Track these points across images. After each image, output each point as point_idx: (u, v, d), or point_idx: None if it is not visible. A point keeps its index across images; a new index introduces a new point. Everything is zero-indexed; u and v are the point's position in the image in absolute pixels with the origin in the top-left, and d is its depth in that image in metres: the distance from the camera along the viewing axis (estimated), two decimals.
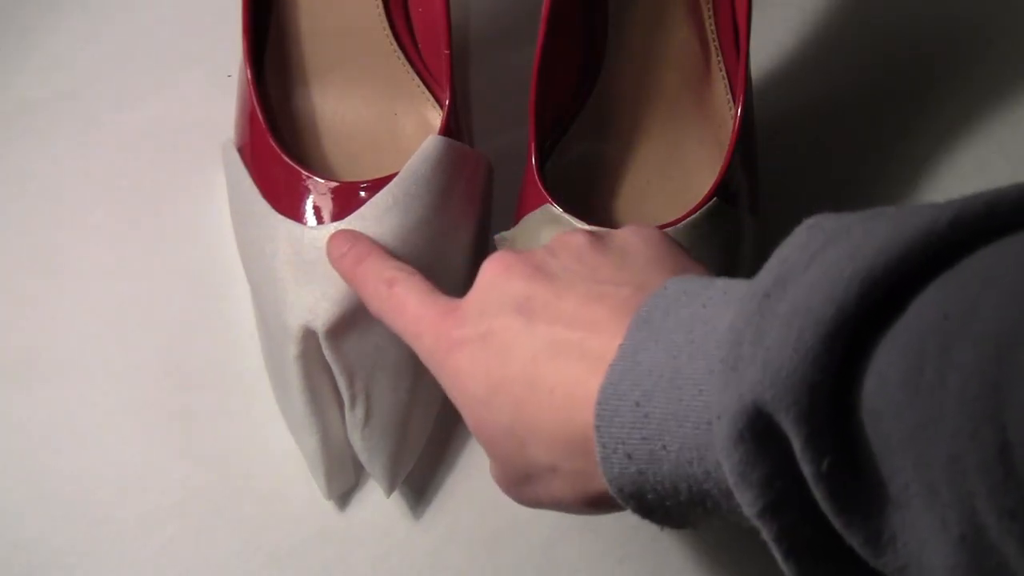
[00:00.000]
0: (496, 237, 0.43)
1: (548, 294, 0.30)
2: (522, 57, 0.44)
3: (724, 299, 0.26)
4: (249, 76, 0.44)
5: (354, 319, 0.39)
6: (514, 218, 0.43)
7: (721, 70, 0.45)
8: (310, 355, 0.40)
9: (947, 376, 0.20)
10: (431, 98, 0.47)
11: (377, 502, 0.42)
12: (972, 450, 0.20)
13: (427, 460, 0.43)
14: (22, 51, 0.54)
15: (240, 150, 0.44)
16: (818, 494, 0.22)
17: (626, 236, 0.33)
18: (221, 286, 0.47)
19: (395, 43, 0.47)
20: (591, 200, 0.45)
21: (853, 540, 0.23)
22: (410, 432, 0.41)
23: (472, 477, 0.42)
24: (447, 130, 0.42)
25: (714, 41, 0.46)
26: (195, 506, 0.42)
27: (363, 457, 0.40)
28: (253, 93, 0.44)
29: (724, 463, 0.24)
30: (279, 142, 0.42)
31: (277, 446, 0.43)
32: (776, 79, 0.53)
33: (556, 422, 0.29)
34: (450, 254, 0.42)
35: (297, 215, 0.41)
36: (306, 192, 0.41)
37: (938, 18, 0.54)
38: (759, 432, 0.23)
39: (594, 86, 0.47)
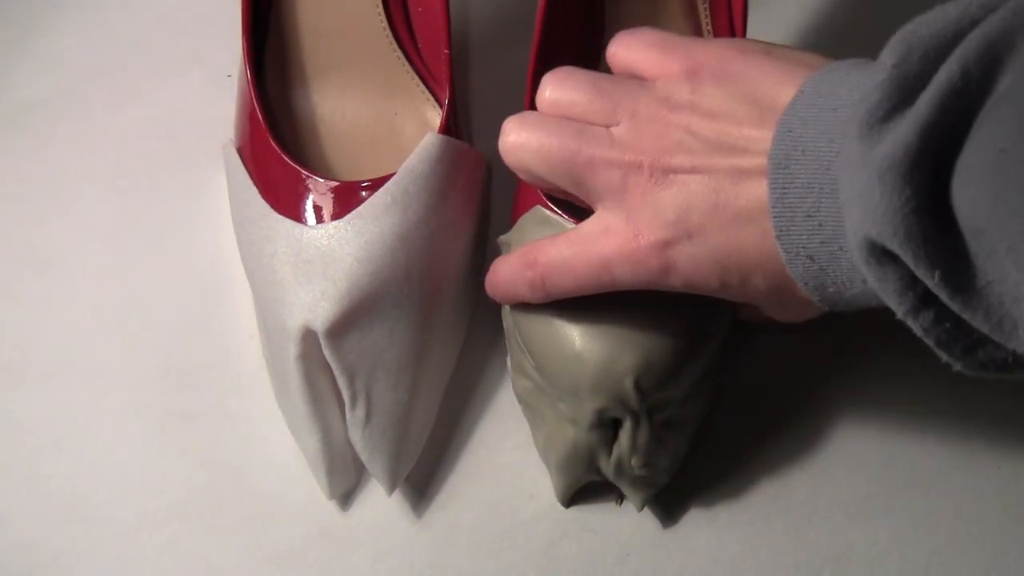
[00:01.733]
0: (497, 241, 0.43)
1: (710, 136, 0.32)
2: (522, 57, 0.44)
3: (852, 102, 0.28)
4: (249, 76, 0.44)
5: (354, 319, 0.39)
6: (511, 217, 0.43)
7: None
8: (310, 355, 0.40)
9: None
10: (431, 97, 0.47)
11: (377, 502, 0.42)
12: None
13: (427, 460, 0.43)
14: (22, 51, 0.54)
15: (240, 150, 0.44)
16: (942, 298, 0.25)
17: (720, 61, 0.34)
18: (221, 286, 0.47)
19: (395, 43, 0.47)
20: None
21: (983, 328, 0.25)
22: (410, 431, 0.41)
23: (472, 477, 0.43)
24: (446, 129, 0.42)
25: (709, 32, 0.46)
26: (195, 506, 0.42)
27: (364, 456, 0.40)
28: (253, 93, 0.44)
29: (867, 274, 0.27)
30: (279, 142, 0.42)
31: (277, 446, 0.43)
32: None
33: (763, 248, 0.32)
34: (449, 253, 0.42)
35: (297, 215, 0.41)
36: (306, 192, 0.41)
37: None
38: (880, 256, 0.26)
39: None
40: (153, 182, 0.50)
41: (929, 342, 0.27)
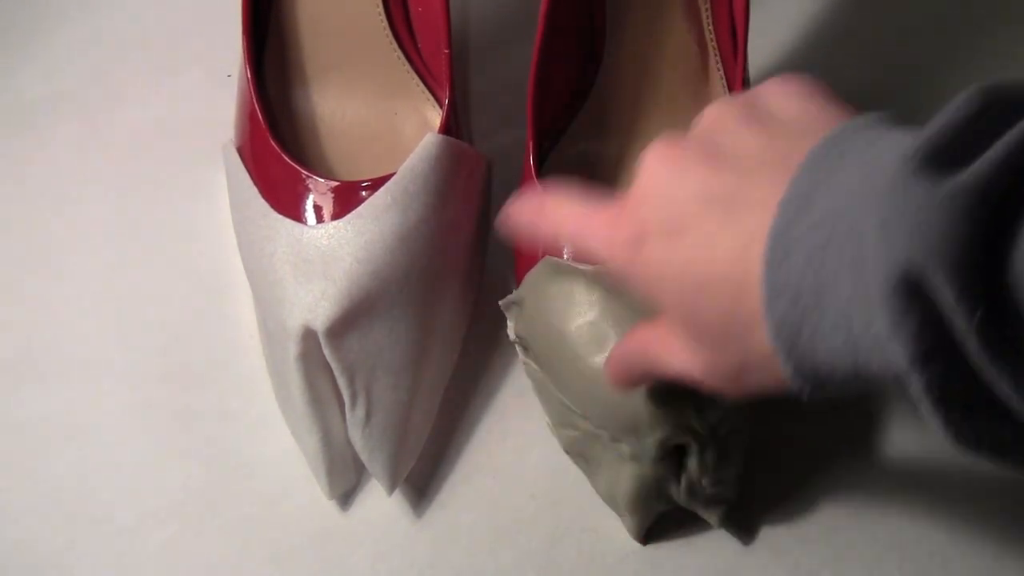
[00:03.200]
0: (502, 304, 0.43)
1: (734, 183, 0.30)
2: (522, 56, 0.44)
3: (897, 146, 0.26)
4: (249, 76, 0.44)
5: (354, 318, 0.39)
6: (515, 277, 0.42)
7: (719, 69, 0.45)
8: (310, 355, 0.40)
9: None
10: (431, 97, 0.47)
11: (377, 502, 0.42)
12: None
13: (427, 459, 0.43)
14: (22, 51, 0.54)
15: (240, 150, 0.44)
16: (971, 345, 0.23)
17: (777, 99, 0.32)
18: (221, 286, 0.47)
19: (395, 42, 0.47)
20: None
21: (1004, 389, 0.23)
22: (410, 431, 0.41)
23: (472, 477, 0.42)
24: (447, 129, 0.42)
25: (711, 40, 0.46)
26: (195, 506, 0.42)
27: (364, 456, 0.40)
28: (253, 93, 0.44)
29: (880, 313, 0.25)
30: (279, 142, 0.42)
31: (277, 446, 0.43)
32: (773, 75, 0.53)
33: None
34: (449, 253, 0.42)
35: (297, 214, 0.41)
36: (306, 191, 0.41)
37: (936, 17, 0.54)
38: (910, 290, 0.24)
39: (592, 85, 0.47)
40: (153, 182, 0.50)
41: (926, 399, 0.25)
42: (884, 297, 0.24)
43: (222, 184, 0.46)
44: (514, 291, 0.42)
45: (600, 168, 0.46)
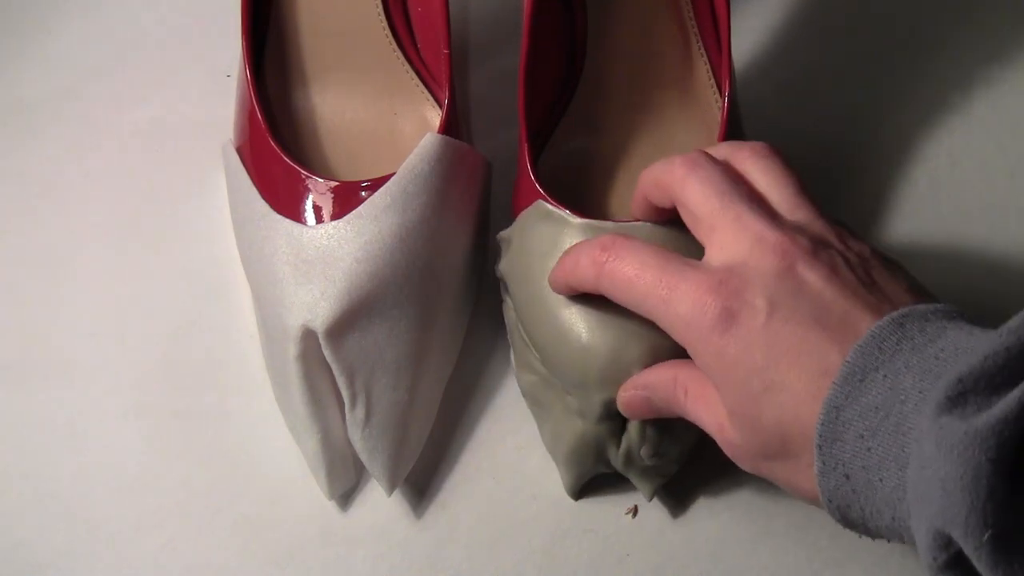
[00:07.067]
0: (497, 237, 0.43)
1: (844, 304, 0.30)
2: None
3: (954, 358, 0.27)
4: (248, 76, 0.44)
5: (354, 319, 0.39)
6: (511, 216, 0.43)
7: (702, 56, 0.46)
8: (310, 355, 0.40)
9: None
10: (430, 97, 0.47)
11: (377, 502, 0.42)
12: None
13: (427, 460, 0.43)
14: (22, 51, 0.54)
15: (239, 150, 0.44)
16: (978, 566, 0.25)
17: (871, 258, 0.33)
18: (221, 286, 0.47)
19: (394, 43, 0.47)
20: (585, 194, 0.45)
21: None
22: (410, 431, 0.41)
23: (472, 477, 0.42)
24: (446, 129, 0.42)
25: (693, 29, 0.46)
26: (195, 506, 0.42)
27: (363, 457, 0.40)
28: (252, 93, 0.44)
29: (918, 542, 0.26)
30: (278, 142, 0.42)
31: (277, 446, 0.43)
32: (757, 63, 0.53)
33: None
34: (449, 253, 0.42)
35: (296, 215, 0.41)
36: (305, 192, 0.41)
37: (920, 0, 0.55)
38: (943, 538, 0.25)
39: (578, 81, 0.47)
40: (153, 182, 0.50)
41: None
42: (920, 541, 0.26)
43: (222, 184, 0.46)
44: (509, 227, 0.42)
45: (593, 163, 0.46)
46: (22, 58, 0.54)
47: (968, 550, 0.24)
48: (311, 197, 0.41)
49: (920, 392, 0.27)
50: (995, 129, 0.51)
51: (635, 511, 0.41)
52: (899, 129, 0.51)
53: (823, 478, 0.29)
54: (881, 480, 0.28)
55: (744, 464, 0.33)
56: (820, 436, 0.29)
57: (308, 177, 0.41)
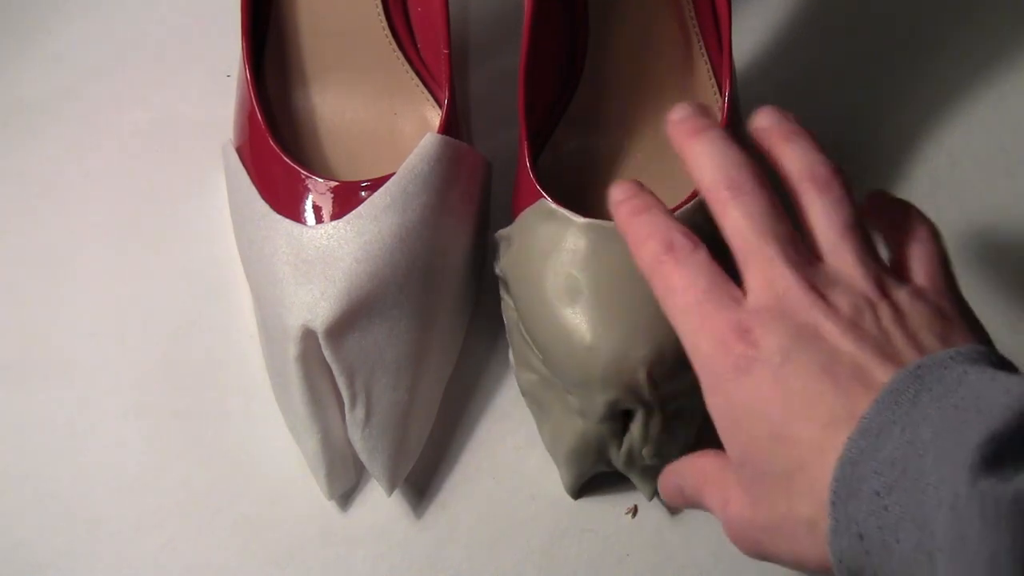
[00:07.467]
0: (496, 235, 0.43)
1: (863, 358, 0.29)
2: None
3: (976, 408, 0.26)
4: (248, 76, 0.44)
5: (354, 318, 0.39)
6: (511, 216, 0.43)
7: (703, 55, 0.46)
8: (310, 355, 0.40)
9: None
10: (430, 97, 0.47)
11: (377, 502, 0.42)
12: None
13: (427, 460, 0.43)
14: (22, 51, 0.54)
15: (239, 150, 0.44)
16: None
17: (912, 300, 0.31)
18: (221, 286, 0.47)
19: (394, 43, 0.47)
20: (586, 193, 0.45)
21: None
22: (410, 431, 0.41)
23: (472, 477, 0.43)
24: (446, 129, 0.42)
25: (694, 28, 0.46)
26: (195, 506, 0.42)
27: (363, 457, 0.40)
28: (252, 93, 0.44)
29: None
30: (278, 142, 0.42)
31: (277, 446, 0.43)
32: (757, 63, 0.53)
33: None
34: (449, 253, 0.42)
35: (296, 215, 0.41)
36: (305, 192, 0.41)
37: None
38: None
39: (579, 80, 0.47)
40: (153, 182, 0.50)
41: None
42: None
43: (222, 184, 0.46)
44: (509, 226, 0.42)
45: (593, 162, 0.46)
46: (22, 58, 0.54)
47: None
48: (311, 197, 0.41)
49: (939, 446, 0.26)
50: (995, 129, 0.51)
51: (635, 511, 0.41)
52: (899, 129, 0.51)
53: (835, 537, 0.27)
54: (898, 541, 0.26)
55: (747, 541, 0.32)
56: (834, 492, 0.27)
57: (308, 177, 0.41)
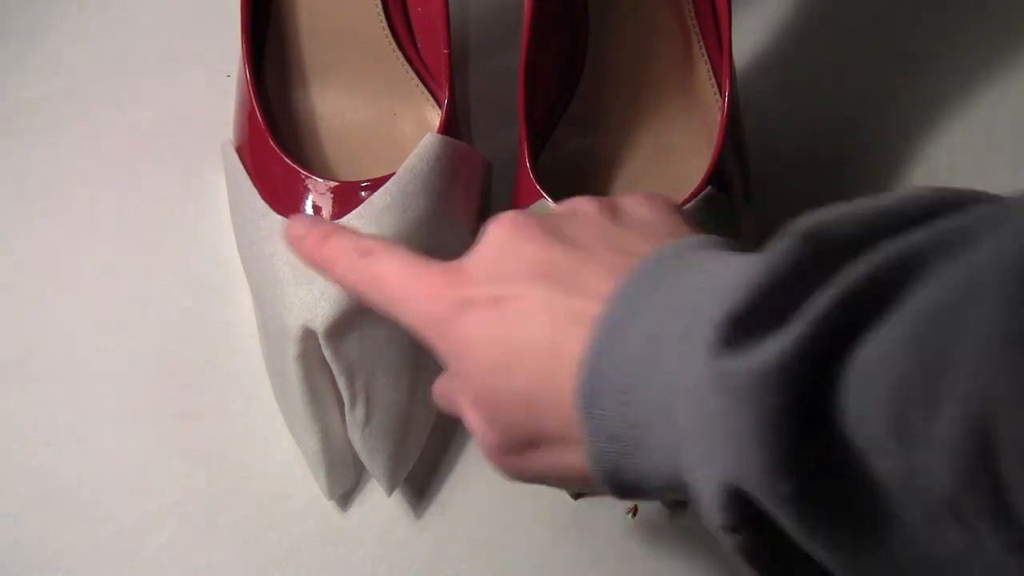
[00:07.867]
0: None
1: (567, 262, 0.29)
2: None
3: (711, 289, 0.25)
4: (248, 76, 0.44)
5: (353, 319, 0.39)
6: None
7: (703, 55, 0.46)
8: (310, 355, 0.40)
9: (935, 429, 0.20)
10: (430, 98, 0.47)
11: (377, 502, 0.42)
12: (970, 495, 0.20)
13: (427, 460, 0.43)
14: (22, 51, 0.54)
15: (239, 150, 0.44)
16: (803, 544, 0.23)
17: (635, 204, 0.32)
18: (221, 286, 0.47)
19: (394, 43, 0.47)
20: (585, 193, 0.44)
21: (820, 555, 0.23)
22: (410, 432, 0.41)
23: (472, 477, 0.42)
24: (446, 129, 0.42)
25: (695, 28, 0.46)
26: (195, 506, 0.42)
27: (363, 457, 0.40)
28: (252, 93, 0.44)
29: (702, 499, 0.24)
30: (278, 142, 0.42)
31: (277, 446, 0.43)
32: (758, 63, 0.53)
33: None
34: (449, 253, 0.42)
35: (296, 215, 0.41)
36: (305, 192, 0.41)
37: None
38: (731, 490, 0.23)
39: (579, 80, 0.47)
40: (153, 182, 0.50)
41: (739, 557, 0.24)
42: (707, 502, 0.24)
43: (222, 184, 0.46)
44: None
45: (594, 162, 0.46)
46: (22, 58, 0.54)
47: (769, 504, 0.22)
48: (311, 197, 0.41)
49: (677, 334, 0.25)
50: (995, 129, 0.51)
51: (635, 511, 0.41)
52: (899, 129, 0.51)
53: (589, 444, 0.26)
54: (648, 436, 0.25)
55: (506, 464, 0.31)
56: (581, 398, 0.26)
57: (308, 177, 0.41)
